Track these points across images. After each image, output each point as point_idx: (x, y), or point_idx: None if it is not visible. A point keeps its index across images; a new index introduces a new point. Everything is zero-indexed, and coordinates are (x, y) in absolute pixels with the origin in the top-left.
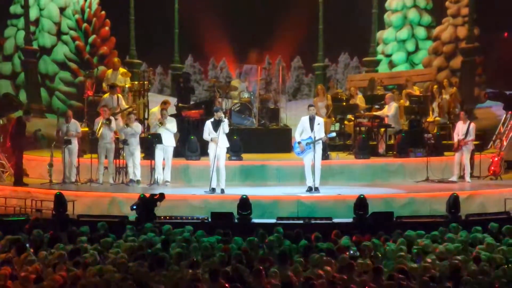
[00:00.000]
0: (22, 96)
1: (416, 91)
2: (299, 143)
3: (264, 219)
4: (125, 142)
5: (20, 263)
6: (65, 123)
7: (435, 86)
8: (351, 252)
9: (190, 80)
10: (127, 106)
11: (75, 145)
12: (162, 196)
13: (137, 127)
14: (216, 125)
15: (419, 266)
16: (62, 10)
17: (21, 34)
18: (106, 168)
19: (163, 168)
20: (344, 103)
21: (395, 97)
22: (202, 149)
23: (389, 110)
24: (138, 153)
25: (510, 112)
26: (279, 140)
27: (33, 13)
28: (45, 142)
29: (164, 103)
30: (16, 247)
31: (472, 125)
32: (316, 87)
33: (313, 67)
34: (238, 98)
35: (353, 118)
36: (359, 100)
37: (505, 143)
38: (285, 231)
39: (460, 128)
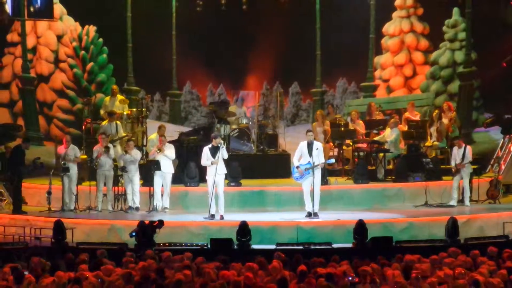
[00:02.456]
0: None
1: (417, 115)
2: (297, 167)
3: (263, 245)
4: (124, 169)
5: None
6: (64, 149)
7: (436, 111)
8: (350, 278)
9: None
10: (124, 134)
11: (74, 172)
12: (161, 223)
13: (136, 154)
14: (214, 151)
15: None
16: (59, 37)
17: (19, 62)
18: (105, 195)
19: (162, 195)
20: (343, 128)
21: (398, 122)
22: (201, 175)
23: (391, 135)
24: (137, 180)
25: (507, 136)
26: (278, 165)
27: (30, 41)
28: (44, 170)
29: (159, 128)
30: (14, 275)
31: (468, 148)
32: (314, 112)
33: (311, 93)
34: (236, 124)
35: (351, 143)
36: (360, 125)
37: (503, 167)
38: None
39: (457, 153)
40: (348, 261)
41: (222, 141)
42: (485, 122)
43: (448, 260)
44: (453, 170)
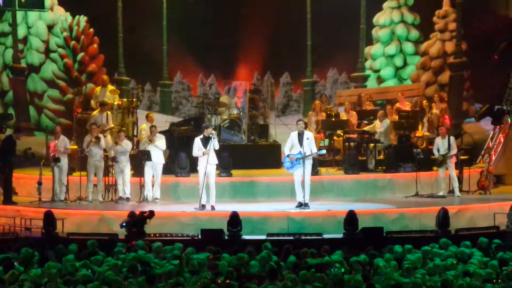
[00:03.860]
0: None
1: (407, 106)
2: (288, 155)
3: (254, 235)
4: (114, 159)
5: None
6: (54, 140)
7: (425, 101)
8: (335, 269)
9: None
10: (112, 125)
11: (64, 162)
12: (151, 213)
13: (127, 144)
14: (206, 142)
15: (410, 281)
16: (50, 28)
17: (9, 52)
18: (95, 185)
19: (153, 185)
20: (334, 119)
21: (387, 113)
22: (192, 166)
23: (381, 126)
24: (127, 171)
25: (498, 126)
26: (269, 156)
27: (21, 31)
28: (35, 160)
29: (147, 116)
30: (4, 265)
31: (452, 138)
32: (305, 102)
33: (301, 83)
34: (227, 114)
35: (342, 134)
36: (353, 116)
37: (493, 158)
38: (273, 248)
39: (440, 144)
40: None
41: (214, 132)
42: (477, 115)
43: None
44: (438, 160)
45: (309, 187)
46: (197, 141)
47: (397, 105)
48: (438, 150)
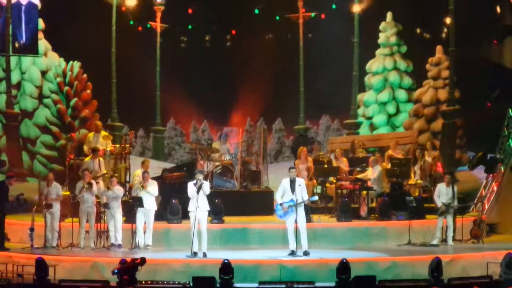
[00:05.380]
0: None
1: (399, 154)
2: (281, 204)
3: (246, 283)
4: (106, 205)
5: None
6: (46, 187)
7: (418, 150)
8: None
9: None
10: (105, 171)
11: (57, 208)
12: (143, 260)
13: (119, 190)
14: (198, 187)
15: None
16: (43, 73)
17: (3, 97)
18: (87, 232)
19: (145, 232)
20: (326, 166)
21: (378, 160)
22: (184, 212)
23: (373, 173)
24: (119, 217)
25: (491, 175)
26: (261, 202)
27: (15, 77)
28: (27, 206)
29: (143, 163)
30: None
31: (456, 188)
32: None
33: (294, 130)
34: (219, 160)
35: (334, 181)
36: (344, 163)
37: (486, 206)
38: None
39: (444, 191)
40: None
41: (201, 177)
42: (470, 163)
43: None
44: (441, 209)
45: (306, 234)
46: (190, 185)
47: (389, 152)
48: (439, 197)
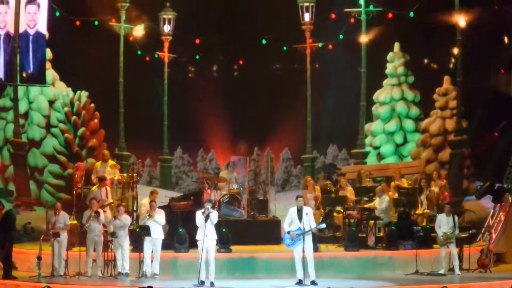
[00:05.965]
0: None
1: (404, 183)
2: (288, 232)
3: None
4: (113, 234)
5: None
6: (54, 216)
7: (423, 180)
8: None
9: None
10: (112, 201)
11: (64, 237)
12: None
13: (126, 219)
14: (206, 216)
15: None
16: (51, 103)
17: (10, 127)
18: (94, 261)
19: (152, 261)
20: (333, 195)
21: (385, 190)
22: (191, 241)
23: (381, 203)
24: (126, 246)
25: (498, 204)
26: (268, 231)
27: (23, 106)
28: (35, 235)
29: (152, 193)
30: None
31: (456, 217)
32: (304, 178)
33: (301, 159)
34: (227, 189)
35: (342, 210)
36: (349, 192)
37: (494, 236)
38: None
39: (445, 221)
40: None
41: (209, 207)
42: (477, 193)
43: None
44: (442, 239)
45: (313, 263)
46: (198, 214)
47: (396, 182)
48: (440, 227)
